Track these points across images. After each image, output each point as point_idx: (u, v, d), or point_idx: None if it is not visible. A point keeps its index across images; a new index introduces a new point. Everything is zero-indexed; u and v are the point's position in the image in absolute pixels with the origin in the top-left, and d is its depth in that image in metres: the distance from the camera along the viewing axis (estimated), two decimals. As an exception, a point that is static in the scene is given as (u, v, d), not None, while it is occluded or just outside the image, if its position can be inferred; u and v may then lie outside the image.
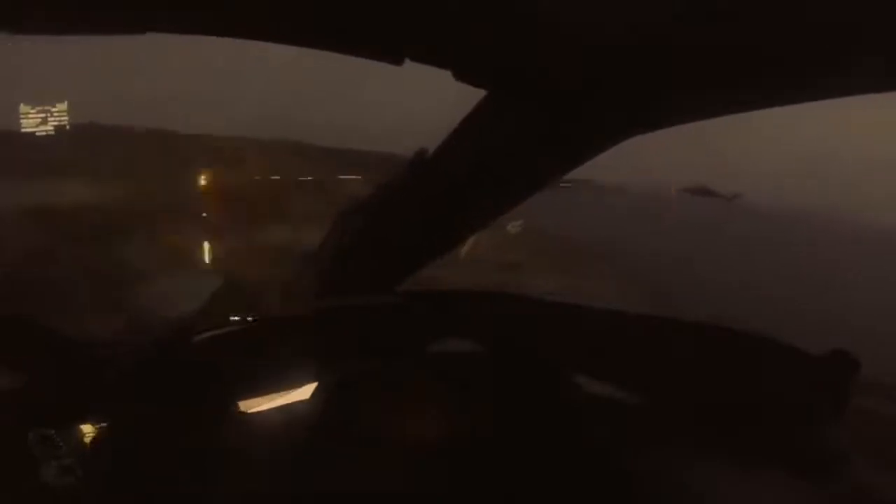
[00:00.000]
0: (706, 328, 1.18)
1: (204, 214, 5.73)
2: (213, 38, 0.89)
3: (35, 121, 6.23)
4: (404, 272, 1.45)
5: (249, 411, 1.07)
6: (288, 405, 1.08)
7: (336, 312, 1.29)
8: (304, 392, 1.09)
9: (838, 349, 0.96)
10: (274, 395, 1.09)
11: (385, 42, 0.84)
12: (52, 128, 6.26)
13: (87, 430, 1.03)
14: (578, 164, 1.15)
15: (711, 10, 0.66)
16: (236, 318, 1.36)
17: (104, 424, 1.01)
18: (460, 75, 0.94)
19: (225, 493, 0.80)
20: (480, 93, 0.99)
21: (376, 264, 1.43)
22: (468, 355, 1.15)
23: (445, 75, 0.94)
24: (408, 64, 0.90)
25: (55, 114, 6.34)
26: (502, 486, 0.82)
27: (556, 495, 0.81)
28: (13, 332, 1.09)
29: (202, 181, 6.33)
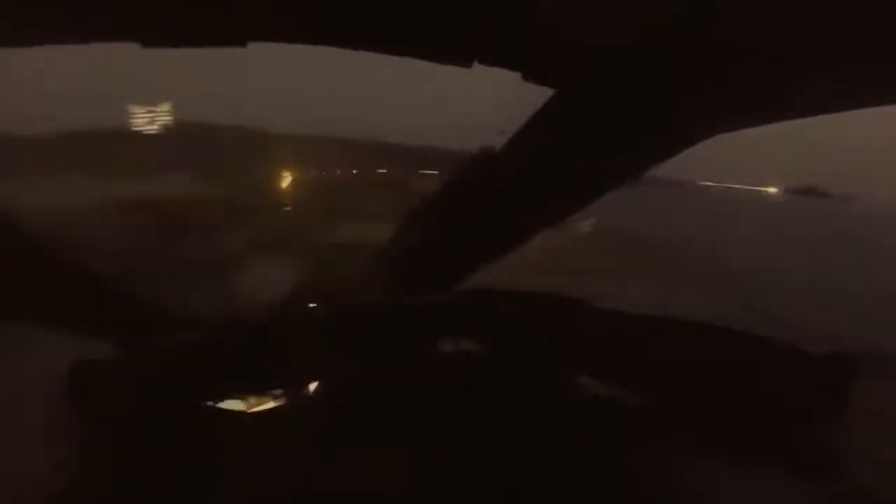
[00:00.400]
0: (706, 328, 1.16)
1: (287, 208, 6.10)
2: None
3: (143, 121, 6.91)
4: (469, 269, 1.46)
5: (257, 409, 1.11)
6: (289, 405, 1.12)
7: (355, 311, 1.31)
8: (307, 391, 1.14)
9: (838, 350, 0.96)
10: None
11: (456, 46, 0.86)
12: (158, 127, 6.92)
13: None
14: (651, 164, 1.12)
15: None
16: (313, 306, 1.44)
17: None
18: (529, 76, 0.94)
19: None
20: (547, 92, 0.99)
21: (442, 261, 1.45)
22: (469, 355, 1.17)
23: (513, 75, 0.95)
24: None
25: (160, 114, 7.00)
26: (502, 486, 0.83)
27: (556, 495, 0.83)
28: (123, 309, 1.22)
29: (285, 177, 6.72)
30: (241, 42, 0.83)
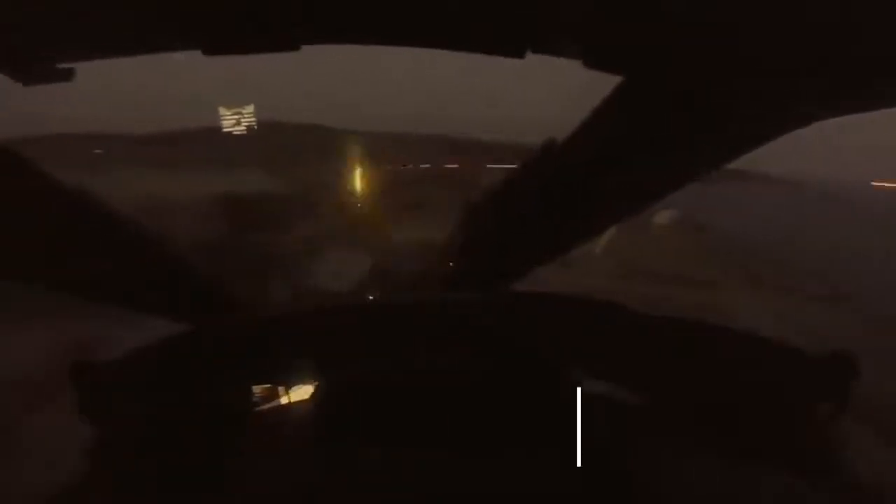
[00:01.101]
0: (706, 328, 1.15)
1: (358, 204, 6.32)
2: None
3: (231, 121, 7.43)
4: (530, 265, 1.46)
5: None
6: (293, 404, 1.15)
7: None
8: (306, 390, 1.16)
9: (838, 350, 0.95)
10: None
11: (509, 38, 0.86)
12: (244, 127, 7.41)
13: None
14: (729, 156, 1.07)
15: None
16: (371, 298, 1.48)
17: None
18: (591, 62, 0.92)
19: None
20: (609, 83, 0.96)
21: (502, 257, 1.44)
22: (469, 354, 1.17)
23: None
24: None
25: (246, 115, 7.49)
26: (502, 486, 0.85)
27: (556, 495, 0.84)
28: (191, 292, 1.32)
29: (357, 172, 6.96)
30: (293, 47, 0.88)
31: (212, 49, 0.84)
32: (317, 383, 1.16)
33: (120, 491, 0.86)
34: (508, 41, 0.85)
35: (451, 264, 1.60)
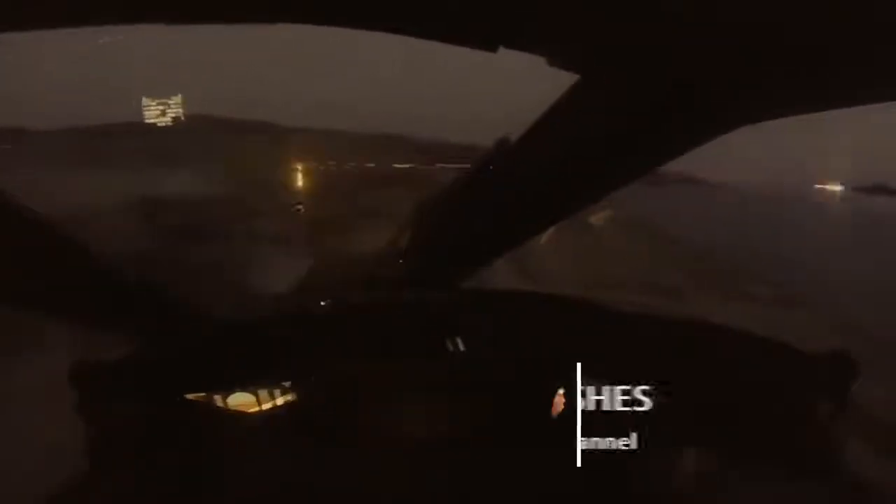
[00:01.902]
0: (707, 328, 1.17)
1: (299, 205, 6.16)
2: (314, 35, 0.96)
3: (155, 112, 7.07)
4: (481, 262, 1.46)
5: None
6: (289, 404, 1.14)
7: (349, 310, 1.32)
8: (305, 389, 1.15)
9: (838, 350, 0.97)
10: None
11: (482, 29, 0.85)
12: (170, 119, 7.07)
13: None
14: (673, 155, 1.11)
15: None
16: (323, 304, 1.45)
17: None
18: (555, 61, 0.93)
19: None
20: (563, 83, 0.98)
21: (451, 256, 1.45)
22: (470, 354, 1.18)
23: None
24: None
25: (172, 106, 7.14)
26: (502, 485, 0.86)
27: (557, 494, 0.85)
28: (144, 305, 1.25)
29: (297, 172, 6.80)
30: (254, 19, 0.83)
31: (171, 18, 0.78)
32: (298, 384, 1.15)
33: (118, 490, 0.86)
34: (481, 33, 0.84)
35: (400, 262, 1.59)
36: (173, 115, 7.13)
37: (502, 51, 0.92)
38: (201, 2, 0.79)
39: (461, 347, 1.19)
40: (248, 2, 0.82)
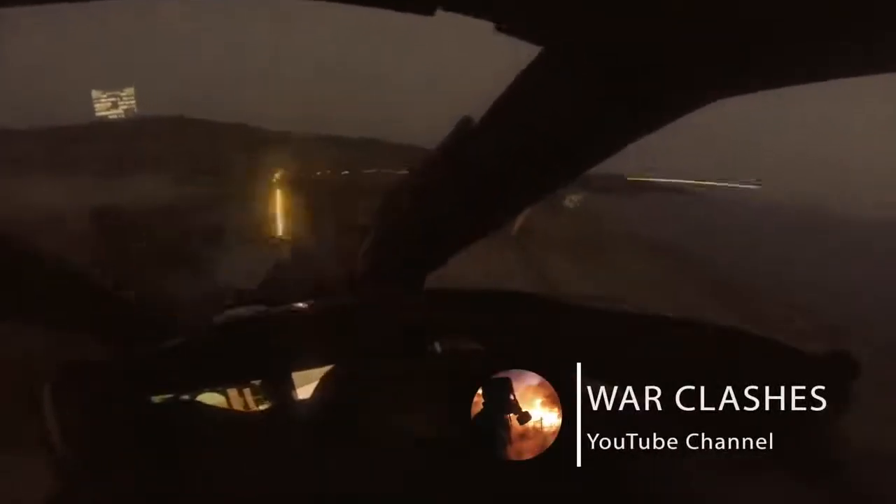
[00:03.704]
0: (706, 328, 1.19)
1: (268, 207, 6.13)
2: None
3: (106, 105, 6.86)
4: (448, 253, 1.45)
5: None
6: (288, 403, 1.18)
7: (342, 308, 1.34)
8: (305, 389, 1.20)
9: (838, 350, 1.00)
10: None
11: None
12: (122, 111, 6.87)
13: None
14: (636, 135, 1.05)
15: None
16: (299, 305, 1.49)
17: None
18: (503, 27, 0.83)
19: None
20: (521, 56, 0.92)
21: (418, 247, 1.45)
22: (470, 354, 1.20)
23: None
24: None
25: (124, 98, 6.95)
26: (500, 485, 0.88)
27: (556, 495, 0.88)
28: (111, 308, 1.29)
29: (269, 176, 6.72)
30: None
31: None
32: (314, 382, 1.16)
33: (116, 491, 0.87)
34: None
35: (367, 258, 1.59)
36: (125, 107, 6.96)
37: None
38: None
39: (439, 349, 1.22)
40: None
